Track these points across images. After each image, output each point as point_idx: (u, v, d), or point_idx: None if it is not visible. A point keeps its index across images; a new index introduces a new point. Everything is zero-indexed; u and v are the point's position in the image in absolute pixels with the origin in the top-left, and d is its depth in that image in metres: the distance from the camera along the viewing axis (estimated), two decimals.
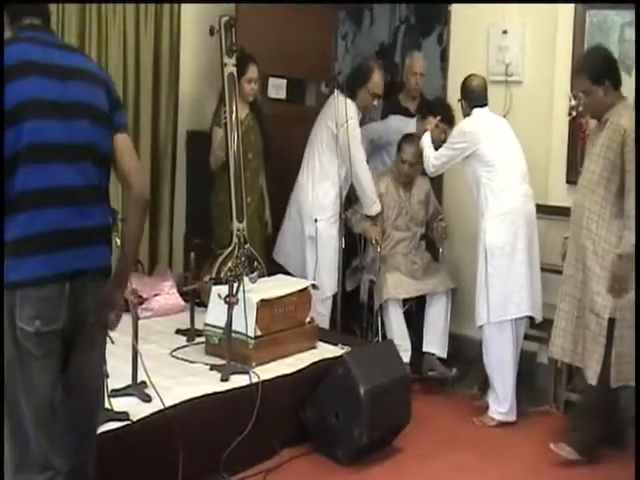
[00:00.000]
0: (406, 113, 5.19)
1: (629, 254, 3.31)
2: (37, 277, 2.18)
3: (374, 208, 4.66)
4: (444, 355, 4.53)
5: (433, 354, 4.51)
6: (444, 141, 4.86)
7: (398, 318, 4.50)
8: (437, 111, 4.72)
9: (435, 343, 4.52)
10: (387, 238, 4.70)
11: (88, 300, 2.28)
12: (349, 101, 4.45)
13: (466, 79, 4.24)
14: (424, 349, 4.53)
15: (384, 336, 4.52)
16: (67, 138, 2.25)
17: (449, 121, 4.71)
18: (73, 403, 2.32)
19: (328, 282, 4.46)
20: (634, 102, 4.10)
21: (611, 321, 3.41)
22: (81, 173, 2.27)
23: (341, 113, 4.37)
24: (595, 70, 3.45)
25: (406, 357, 4.33)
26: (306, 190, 4.61)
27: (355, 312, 4.74)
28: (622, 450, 3.59)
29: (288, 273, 4.50)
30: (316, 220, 4.53)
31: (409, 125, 4.93)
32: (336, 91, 4.52)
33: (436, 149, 4.43)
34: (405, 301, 4.60)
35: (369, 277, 4.71)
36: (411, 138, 4.67)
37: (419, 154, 4.55)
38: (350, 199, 4.76)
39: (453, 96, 4.95)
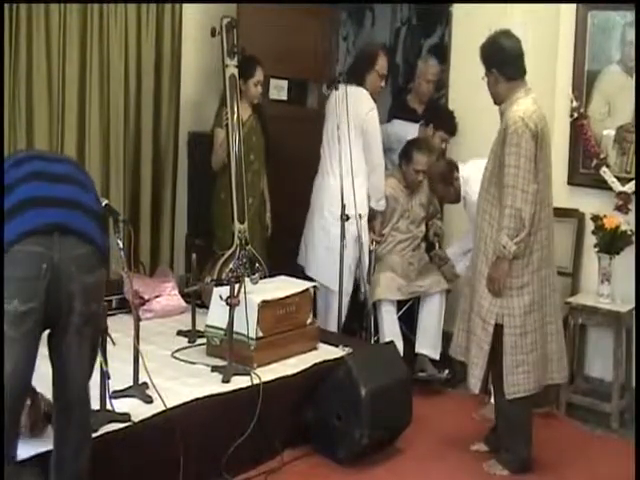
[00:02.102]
0: (412, 114, 5.16)
1: (502, 256, 3.26)
2: (21, 232, 2.24)
3: (382, 203, 4.60)
4: (436, 357, 4.47)
5: (426, 355, 4.47)
6: (445, 150, 4.85)
7: (390, 318, 4.44)
8: (441, 119, 4.75)
9: (427, 344, 4.46)
10: (386, 240, 4.66)
11: (73, 282, 2.29)
12: (363, 90, 4.43)
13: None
14: (416, 350, 4.49)
15: (377, 333, 4.48)
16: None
17: (451, 129, 4.74)
18: (61, 393, 2.39)
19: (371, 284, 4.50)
20: (635, 101, 4.12)
21: (499, 327, 3.34)
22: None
23: (362, 105, 4.35)
24: (483, 58, 3.44)
25: None
26: (339, 191, 4.23)
27: (356, 311, 4.70)
28: None
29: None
30: (360, 216, 4.33)
31: (410, 131, 4.88)
32: (344, 85, 4.38)
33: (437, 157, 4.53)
34: (405, 301, 4.56)
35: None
36: (421, 145, 4.60)
37: (430, 161, 4.54)
38: None
39: (455, 97, 4.96)
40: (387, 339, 4.25)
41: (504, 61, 3.38)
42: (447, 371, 4.44)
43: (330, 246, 4.40)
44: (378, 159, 4.50)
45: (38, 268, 2.24)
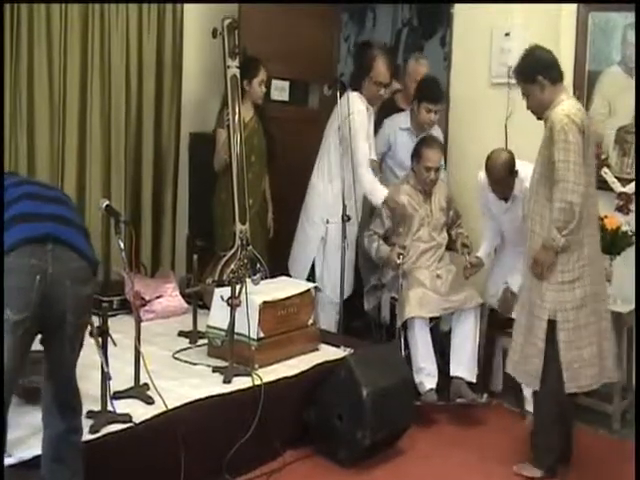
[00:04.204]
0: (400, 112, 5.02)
1: (549, 246, 3.30)
2: (14, 242, 2.29)
3: (378, 196, 4.36)
4: (473, 379, 4.11)
5: (461, 378, 4.09)
6: (434, 121, 4.64)
7: (424, 337, 4.09)
8: (420, 89, 4.63)
9: (463, 366, 4.10)
10: (408, 252, 4.32)
11: (67, 295, 2.33)
12: (354, 94, 4.40)
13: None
14: (451, 373, 4.11)
15: (408, 358, 4.06)
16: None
17: (433, 96, 4.56)
18: (56, 387, 2.45)
19: (335, 287, 4.37)
20: (635, 102, 4.11)
21: (551, 323, 3.35)
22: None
23: (344, 109, 4.30)
24: (525, 70, 3.45)
25: (431, 383, 4.03)
26: (317, 191, 4.54)
27: (374, 332, 4.50)
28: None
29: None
30: (327, 221, 4.44)
31: (401, 120, 4.77)
32: (348, 90, 4.43)
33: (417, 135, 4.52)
34: (432, 318, 4.20)
35: (390, 295, 4.37)
36: (431, 141, 4.39)
37: (441, 158, 4.38)
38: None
39: (455, 97, 4.96)
40: (420, 361, 4.02)
41: (547, 65, 3.43)
42: (486, 394, 4.10)
43: (302, 243, 4.56)
44: (357, 163, 4.35)
45: (32, 279, 2.28)
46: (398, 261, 4.22)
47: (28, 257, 2.29)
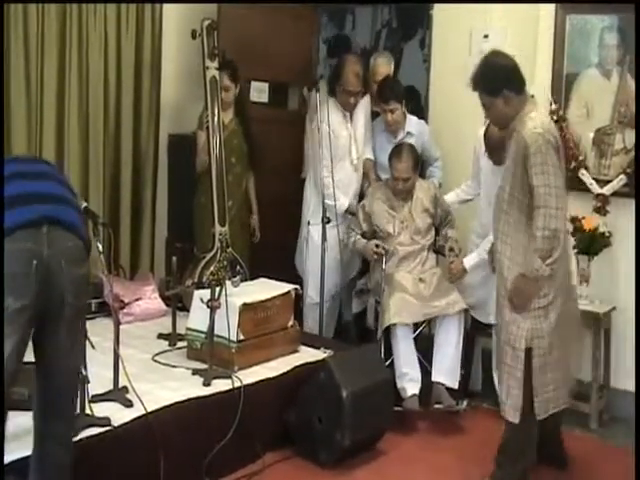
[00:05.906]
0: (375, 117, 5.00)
1: (532, 276, 3.06)
2: (11, 226, 2.25)
3: (339, 207, 4.53)
4: (454, 385, 4.01)
5: (442, 384, 4.01)
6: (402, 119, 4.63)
7: (407, 343, 4.03)
8: (378, 90, 4.64)
9: (444, 372, 4.01)
10: (392, 256, 4.27)
11: (64, 275, 2.30)
12: (331, 101, 4.47)
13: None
14: (432, 378, 4.03)
15: (390, 364, 4.03)
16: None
17: (385, 95, 4.56)
18: (49, 386, 2.39)
19: (317, 287, 4.47)
20: (635, 104, 4.11)
21: (528, 351, 3.12)
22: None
23: (321, 113, 4.36)
24: (489, 82, 3.16)
25: (414, 389, 3.96)
26: (305, 194, 4.74)
27: (364, 337, 4.61)
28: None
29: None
30: (309, 223, 4.60)
31: (378, 124, 4.79)
32: (318, 94, 4.46)
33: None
34: (417, 324, 4.16)
35: (375, 298, 4.37)
36: (401, 151, 4.25)
37: (412, 168, 4.25)
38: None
39: (436, 100, 4.98)
40: (403, 366, 3.97)
41: (512, 75, 3.19)
42: (466, 401, 4.08)
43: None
44: (320, 173, 4.45)
45: (29, 264, 2.25)
46: (375, 249, 4.17)
47: (23, 242, 2.26)
